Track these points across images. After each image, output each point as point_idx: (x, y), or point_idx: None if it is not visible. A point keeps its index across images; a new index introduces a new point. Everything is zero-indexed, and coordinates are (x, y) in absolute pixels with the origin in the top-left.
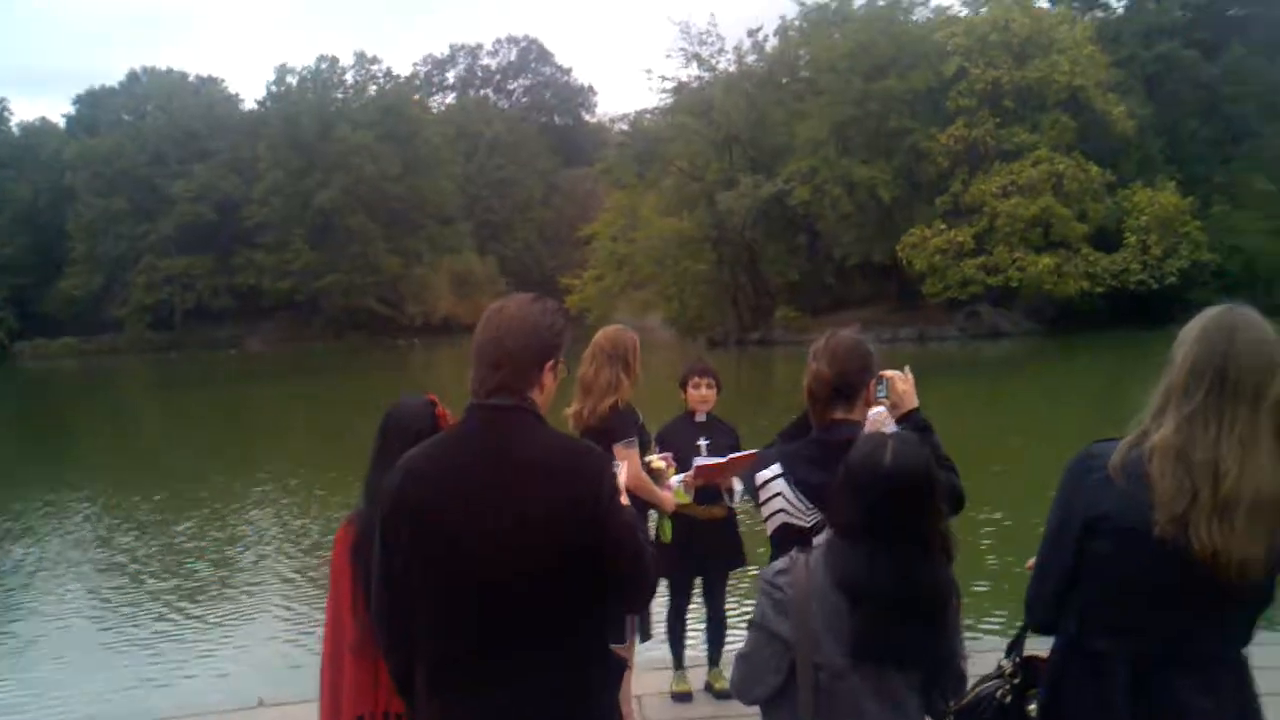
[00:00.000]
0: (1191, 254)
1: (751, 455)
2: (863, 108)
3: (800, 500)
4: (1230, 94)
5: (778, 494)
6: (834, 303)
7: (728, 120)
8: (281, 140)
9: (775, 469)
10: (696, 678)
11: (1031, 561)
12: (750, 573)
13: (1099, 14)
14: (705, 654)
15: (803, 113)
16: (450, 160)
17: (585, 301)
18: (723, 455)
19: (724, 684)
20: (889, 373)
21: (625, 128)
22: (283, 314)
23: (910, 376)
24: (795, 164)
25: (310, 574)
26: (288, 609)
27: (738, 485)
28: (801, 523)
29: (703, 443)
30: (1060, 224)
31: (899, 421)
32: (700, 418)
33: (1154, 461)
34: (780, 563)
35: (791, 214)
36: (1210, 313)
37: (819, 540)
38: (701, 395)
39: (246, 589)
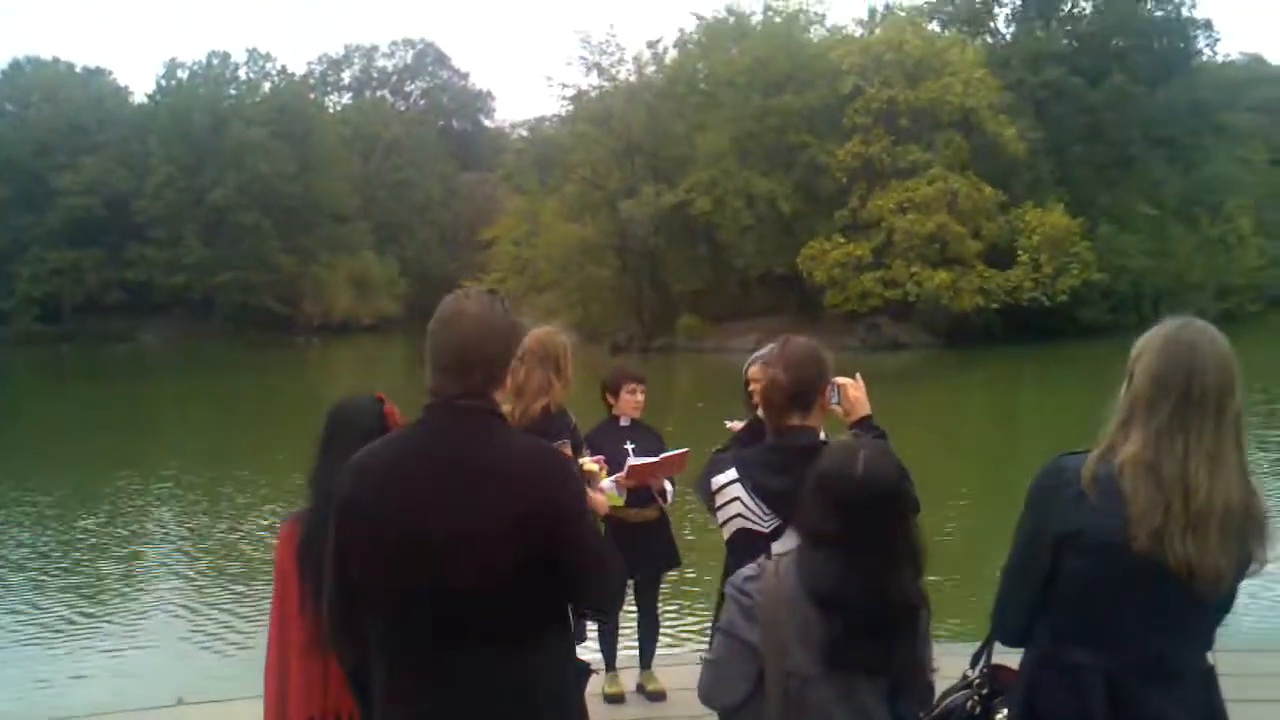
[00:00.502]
0: (1081, 273)
1: (683, 454)
2: (762, 122)
3: (758, 505)
4: (1112, 120)
5: (735, 499)
6: (736, 312)
7: (628, 130)
8: (172, 135)
9: (731, 474)
10: (628, 679)
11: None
12: (686, 575)
13: (989, 39)
14: (637, 656)
15: (703, 124)
16: (347, 160)
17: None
18: (653, 456)
19: (657, 685)
20: (840, 380)
21: (525, 134)
22: (177, 310)
23: (862, 383)
24: (696, 175)
25: (217, 573)
26: (194, 608)
27: (668, 486)
28: (759, 528)
29: (629, 446)
30: (955, 241)
31: (851, 428)
32: (625, 422)
33: (1125, 476)
34: (749, 569)
35: (693, 224)
36: (1169, 326)
37: (780, 546)
38: (636, 401)
39: (149, 588)
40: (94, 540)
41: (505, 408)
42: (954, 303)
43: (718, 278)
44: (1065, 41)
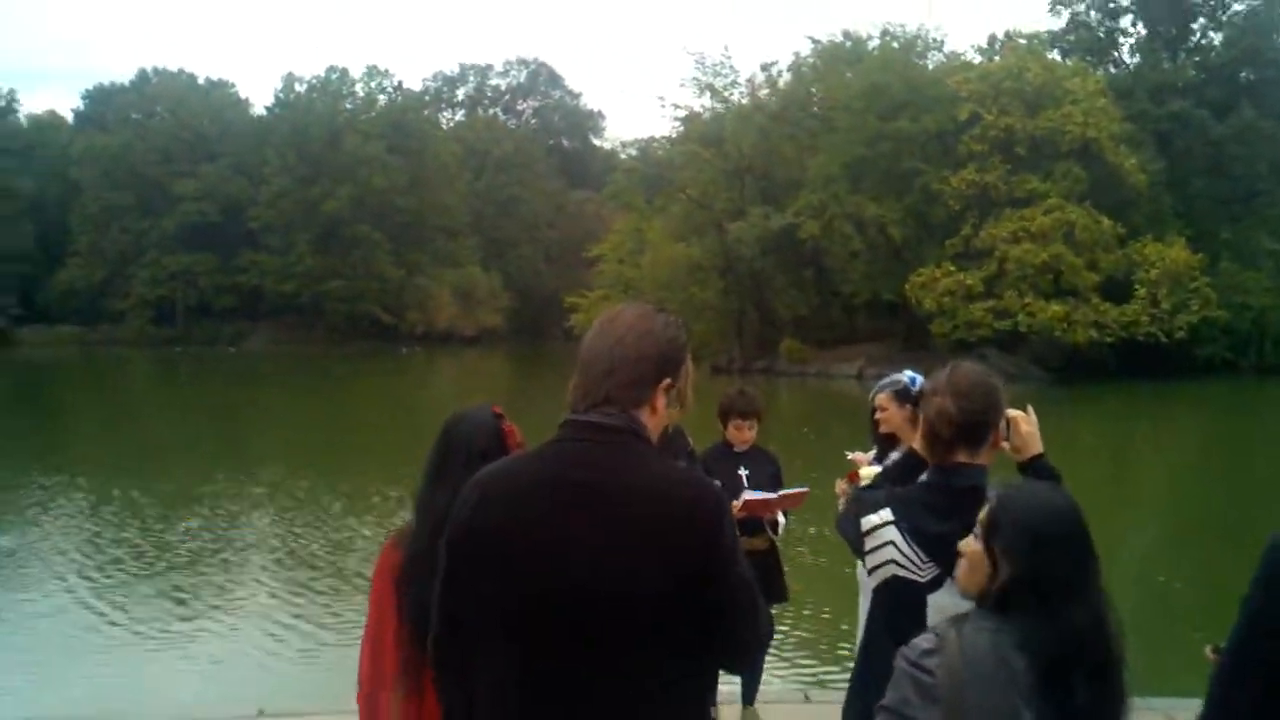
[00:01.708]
0: (1201, 309)
1: (803, 493)
2: (875, 147)
3: (915, 551)
4: (1239, 154)
5: (889, 542)
6: (840, 337)
7: (739, 151)
8: (289, 147)
9: (886, 514)
10: (731, 715)
11: (1210, 650)
12: (785, 610)
13: (1112, 69)
14: (739, 692)
15: (815, 148)
16: (458, 176)
17: (590, 321)
18: (765, 486)
19: None
20: (1012, 412)
21: (634, 153)
22: (285, 316)
23: (1034, 418)
24: (805, 198)
25: (307, 584)
26: (283, 619)
27: (781, 518)
28: (916, 577)
29: (743, 473)
30: (1070, 272)
31: (1021, 468)
32: (740, 447)
33: None
34: (926, 641)
35: (800, 247)
36: None
37: (940, 599)
38: (744, 437)
39: (240, 595)
40: (192, 544)
41: None
42: (1067, 335)
43: (823, 302)
44: (1192, 73)
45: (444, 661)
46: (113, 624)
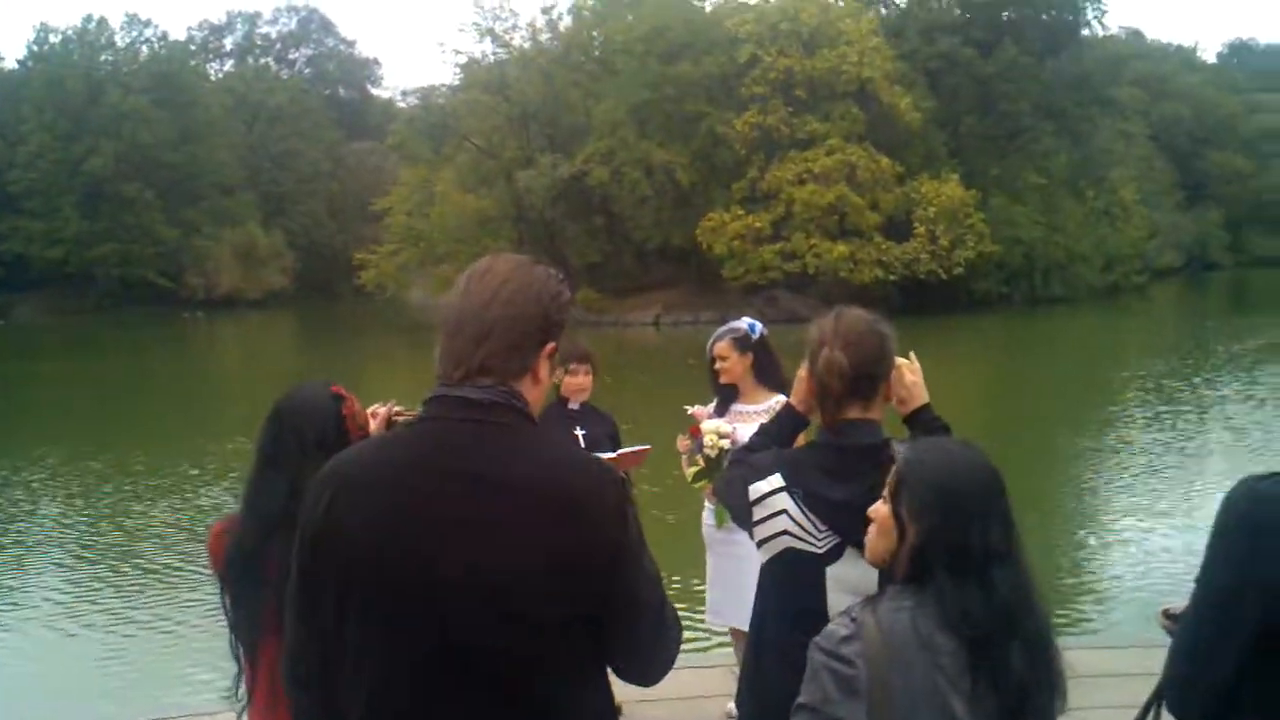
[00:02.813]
0: (976, 245)
1: (645, 450)
2: (659, 91)
3: (811, 520)
4: (1004, 91)
5: (781, 511)
6: (635, 285)
7: (523, 98)
8: (46, 102)
9: (776, 479)
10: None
11: (1163, 616)
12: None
13: (883, 9)
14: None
15: (599, 94)
16: (230, 129)
17: (381, 277)
18: (604, 447)
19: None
20: (897, 360)
21: (416, 102)
22: (54, 284)
23: (918, 365)
24: (593, 145)
25: (110, 574)
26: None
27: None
28: (813, 548)
29: (579, 433)
30: (854, 213)
31: (906, 421)
32: (574, 405)
33: None
34: (841, 627)
35: (590, 195)
36: None
37: (839, 570)
38: (579, 383)
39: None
40: None
41: None
42: (853, 275)
43: (615, 250)
44: (958, 12)
45: (302, 679)
46: None
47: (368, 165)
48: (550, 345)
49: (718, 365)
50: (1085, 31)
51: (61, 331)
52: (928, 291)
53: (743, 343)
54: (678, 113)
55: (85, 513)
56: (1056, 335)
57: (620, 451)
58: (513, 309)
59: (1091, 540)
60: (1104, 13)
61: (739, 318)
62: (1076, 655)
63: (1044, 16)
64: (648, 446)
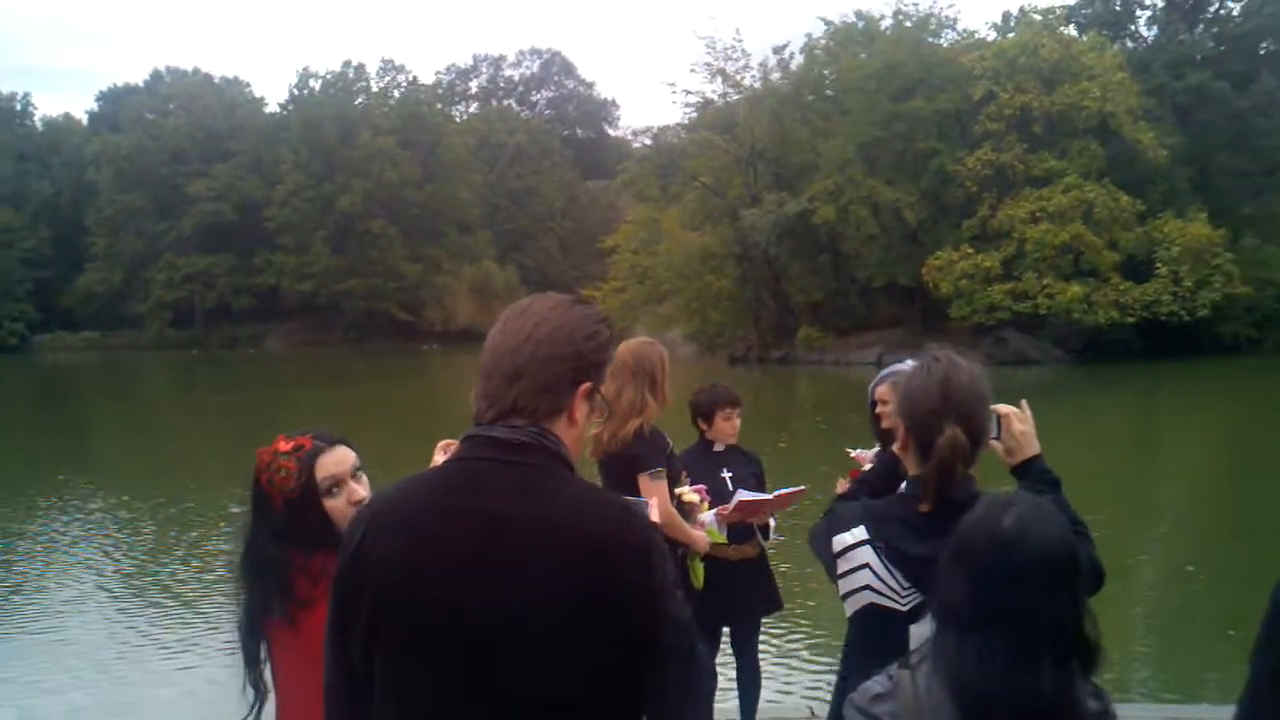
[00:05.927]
0: (1224, 286)
1: (799, 491)
2: (889, 128)
3: (894, 576)
4: (1260, 126)
5: (863, 565)
6: (858, 324)
7: (752, 137)
8: (303, 143)
9: (860, 532)
10: None
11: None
12: (782, 620)
13: (1129, 43)
14: (738, 710)
15: (828, 132)
16: (472, 169)
17: (606, 314)
18: (749, 489)
19: None
20: (1002, 408)
21: (648, 141)
22: (303, 316)
23: (1029, 414)
24: (820, 183)
25: None
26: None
27: (771, 521)
28: (895, 605)
29: (726, 474)
30: (1090, 252)
31: (1014, 472)
32: (719, 446)
33: None
34: (878, 684)
35: (815, 233)
36: None
37: (921, 630)
38: (733, 427)
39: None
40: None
41: (592, 430)
42: (1088, 316)
43: (839, 288)
44: (1211, 44)
45: (342, 713)
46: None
47: (601, 203)
48: (585, 385)
49: (879, 409)
50: None
51: (311, 360)
52: (1169, 334)
53: None
54: (908, 150)
55: None
56: None
57: (777, 493)
58: (545, 349)
59: None
60: None
61: (902, 359)
62: None
63: None
64: (803, 488)
